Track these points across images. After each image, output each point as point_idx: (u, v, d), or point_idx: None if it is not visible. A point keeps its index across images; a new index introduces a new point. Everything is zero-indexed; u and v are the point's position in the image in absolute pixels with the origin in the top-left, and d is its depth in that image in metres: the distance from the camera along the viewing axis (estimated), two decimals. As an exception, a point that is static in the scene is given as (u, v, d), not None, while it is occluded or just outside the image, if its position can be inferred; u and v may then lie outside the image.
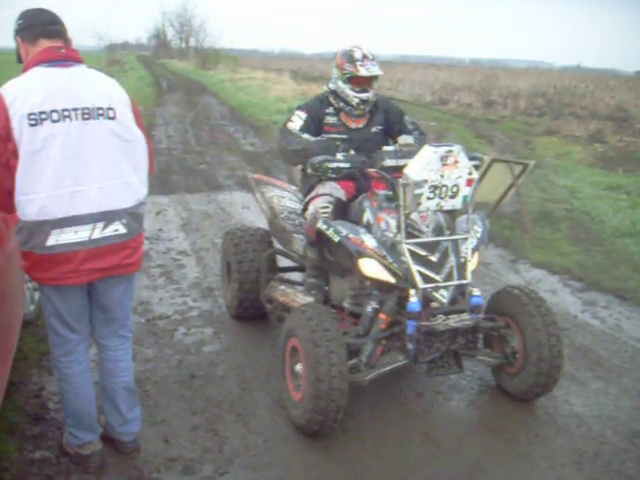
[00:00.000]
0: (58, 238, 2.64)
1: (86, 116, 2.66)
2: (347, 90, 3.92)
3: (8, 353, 3.38)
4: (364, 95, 3.91)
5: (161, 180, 9.39)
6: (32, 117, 2.55)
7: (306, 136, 3.85)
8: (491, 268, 6.16)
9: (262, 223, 5.48)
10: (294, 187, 4.69)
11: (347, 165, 3.47)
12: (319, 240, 3.68)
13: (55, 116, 2.59)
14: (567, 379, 4.01)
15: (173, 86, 29.99)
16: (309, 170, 3.53)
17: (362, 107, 3.94)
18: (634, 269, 6.16)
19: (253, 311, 4.57)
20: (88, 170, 2.67)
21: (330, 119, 4.00)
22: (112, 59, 48.88)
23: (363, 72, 3.85)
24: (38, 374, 3.86)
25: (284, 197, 4.46)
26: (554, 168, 11.67)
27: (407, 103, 24.40)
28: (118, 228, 2.75)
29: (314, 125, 3.96)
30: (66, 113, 2.61)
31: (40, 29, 2.75)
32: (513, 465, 3.20)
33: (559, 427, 3.52)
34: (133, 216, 2.80)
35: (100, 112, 2.69)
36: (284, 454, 3.23)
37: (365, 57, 3.88)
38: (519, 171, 7.68)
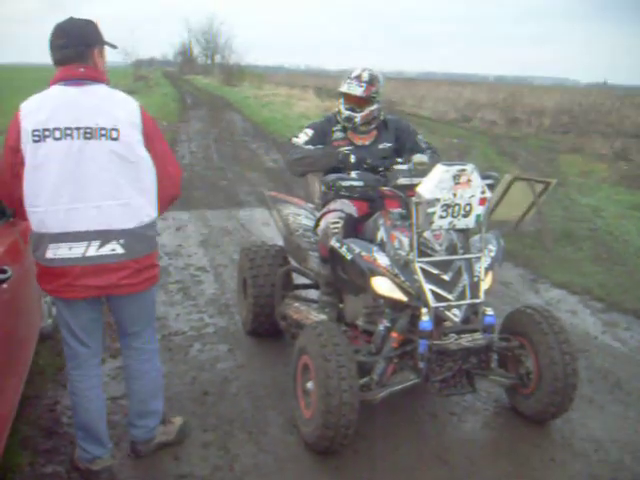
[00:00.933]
0: (55, 252, 2.72)
1: (88, 135, 2.69)
2: (340, 105, 4.03)
3: (23, 367, 3.41)
4: (347, 112, 3.98)
5: (182, 196, 9.44)
6: (35, 134, 2.66)
7: (308, 147, 3.94)
8: (511, 288, 6.09)
9: (281, 240, 5.48)
10: (311, 205, 4.69)
11: (360, 183, 3.48)
12: (332, 257, 3.68)
13: (57, 134, 2.67)
14: (585, 402, 3.93)
15: (198, 102, 30.32)
16: (323, 188, 3.55)
17: (347, 125, 4.01)
18: (657, 290, 6.05)
19: (268, 326, 4.56)
20: (86, 189, 2.71)
21: (338, 134, 4.07)
22: (138, 75, 49.61)
23: (344, 88, 3.96)
24: (53, 388, 3.88)
25: (300, 215, 4.47)
26: (578, 186, 11.56)
27: (430, 120, 24.42)
28: (115, 248, 2.76)
29: (319, 141, 4.03)
30: (68, 132, 2.67)
31: (54, 54, 2.82)
32: (527, 490, 3.14)
33: (575, 451, 3.44)
34: (135, 237, 2.80)
35: (102, 132, 2.71)
36: (294, 473, 3.21)
37: (358, 78, 3.94)
38: (541, 189, 7.64)
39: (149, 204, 2.85)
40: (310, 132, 4.05)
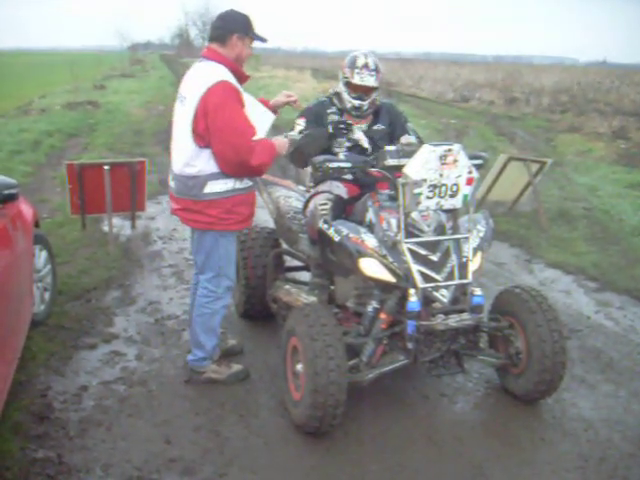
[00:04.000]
0: None
1: (181, 99, 3.52)
2: (344, 94, 4.01)
3: (13, 353, 3.40)
4: (357, 102, 3.97)
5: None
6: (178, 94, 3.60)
7: (298, 136, 3.91)
8: (505, 268, 6.08)
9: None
10: (302, 187, 4.67)
11: (348, 164, 3.45)
12: (320, 239, 3.66)
13: (178, 96, 3.57)
14: (577, 382, 3.94)
15: (195, 86, 30.09)
16: (311, 169, 3.52)
17: (354, 113, 4.00)
18: (652, 269, 6.04)
19: (260, 308, 4.57)
20: (174, 137, 3.59)
21: (333, 117, 4.03)
22: (134, 59, 49.25)
23: (356, 80, 3.92)
24: (45, 374, 3.87)
25: (291, 197, 4.44)
26: (575, 166, 11.52)
27: (428, 101, 24.29)
28: (173, 183, 3.65)
29: (315, 124, 4.00)
30: (180, 95, 3.54)
31: (209, 33, 3.63)
32: (515, 470, 3.14)
33: (565, 431, 3.45)
34: (179, 180, 3.56)
35: (182, 98, 3.50)
36: (284, 456, 3.21)
37: (366, 66, 3.92)
38: (536, 169, 7.61)
39: (184, 162, 3.48)
40: (302, 121, 4.03)
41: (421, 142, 4.00)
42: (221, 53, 3.48)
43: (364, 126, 4.06)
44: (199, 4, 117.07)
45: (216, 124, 3.31)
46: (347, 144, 3.96)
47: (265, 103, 3.88)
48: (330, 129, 3.82)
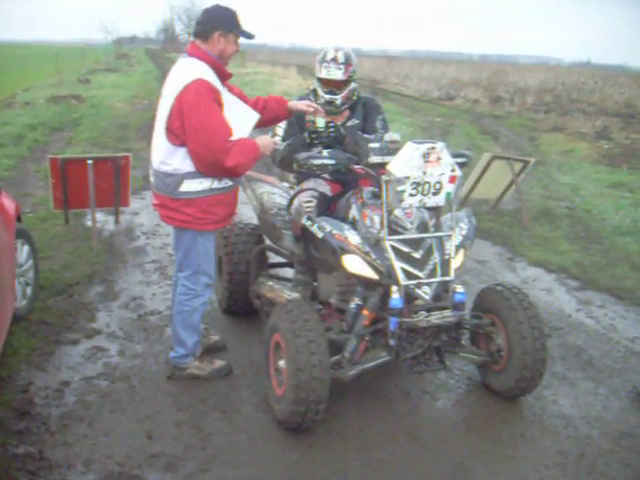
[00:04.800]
0: None
1: (163, 95, 3.46)
2: (318, 89, 4.02)
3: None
4: (328, 97, 3.98)
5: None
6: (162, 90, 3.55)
7: (283, 145, 4.00)
8: (487, 266, 6.12)
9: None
10: (286, 184, 4.68)
11: (332, 162, 3.46)
12: (304, 236, 3.67)
13: (162, 91, 3.52)
14: (557, 379, 3.98)
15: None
16: (295, 166, 3.53)
17: (328, 108, 3.99)
18: (632, 268, 6.11)
19: (243, 304, 4.56)
20: (154, 132, 3.52)
21: (310, 116, 4.00)
22: (119, 53, 48.91)
23: (323, 74, 3.94)
24: (27, 369, 3.85)
25: (274, 194, 4.44)
26: (558, 165, 11.60)
27: (413, 99, 24.36)
28: (152, 179, 3.62)
29: (297, 126, 4.04)
30: (163, 91, 3.49)
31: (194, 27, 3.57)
32: (496, 466, 3.17)
33: (545, 428, 3.49)
34: (157, 176, 3.53)
35: (164, 96, 3.45)
36: (267, 452, 3.22)
37: (334, 60, 3.91)
38: (519, 168, 7.66)
39: (160, 160, 3.46)
40: (283, 124, 4.07)
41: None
42: (203, 50, 3.42)
43: (339, 123, 4.05)
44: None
45: (191, 123, 3.27)
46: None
47: (283, 102, 3.87)
48: (307, 139, 3.85)
